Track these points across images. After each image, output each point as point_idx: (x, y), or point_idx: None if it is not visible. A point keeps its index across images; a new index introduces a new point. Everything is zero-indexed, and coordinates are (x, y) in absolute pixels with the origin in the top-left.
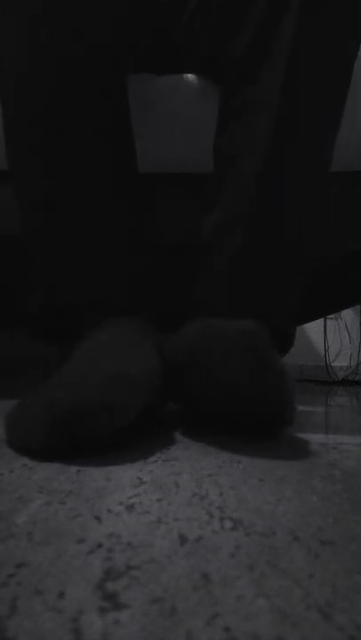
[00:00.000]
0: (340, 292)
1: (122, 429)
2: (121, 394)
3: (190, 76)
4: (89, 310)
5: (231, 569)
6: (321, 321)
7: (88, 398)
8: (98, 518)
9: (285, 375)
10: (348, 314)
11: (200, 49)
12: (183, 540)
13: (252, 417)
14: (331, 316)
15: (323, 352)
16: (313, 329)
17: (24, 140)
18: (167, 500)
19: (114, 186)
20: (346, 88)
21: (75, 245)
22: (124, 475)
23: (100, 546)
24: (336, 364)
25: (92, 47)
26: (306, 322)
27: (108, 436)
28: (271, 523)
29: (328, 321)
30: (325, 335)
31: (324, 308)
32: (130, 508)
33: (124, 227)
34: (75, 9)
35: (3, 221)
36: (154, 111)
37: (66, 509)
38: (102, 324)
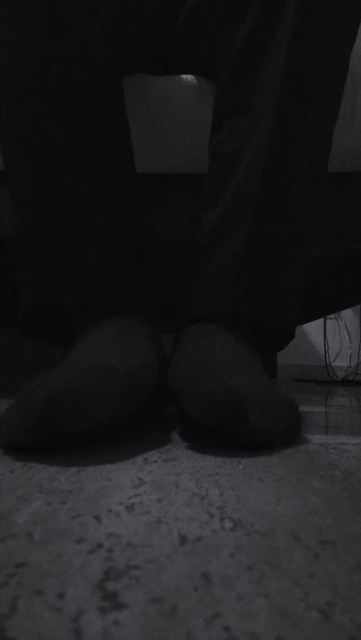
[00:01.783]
0: (340, 292)
1: (108, 422)
2: (103, 383)
3: (190, 76)
4: (87, 310)
5: (231, 569)
6: (321, 321)
7: (64, 387)
8: (98, 518)
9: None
10: (348, 314)
11: (199, 48)
12: (183, 539)
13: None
14: (331, 316)
15: (323, 352)
16: (313, 329)
17: (22, 140)
18: (167, 500)
19: (114, 186)
20: (342, 84)
21: (72, 245)
22: (124, 475)
23: (100, 546)
24: (336, 363)
25: (92, 47)
26: (306, 322)
27: (93, 427)
28: (271, 523)
29: (328, 321)
30: (325, 335)
31: (324, 308)
32: (130, 508)
33: (123, 227)
34: (74, 9)
35: (2, 222)
36: (154, 112)
37: (66, 509)
38: (101, 323)
